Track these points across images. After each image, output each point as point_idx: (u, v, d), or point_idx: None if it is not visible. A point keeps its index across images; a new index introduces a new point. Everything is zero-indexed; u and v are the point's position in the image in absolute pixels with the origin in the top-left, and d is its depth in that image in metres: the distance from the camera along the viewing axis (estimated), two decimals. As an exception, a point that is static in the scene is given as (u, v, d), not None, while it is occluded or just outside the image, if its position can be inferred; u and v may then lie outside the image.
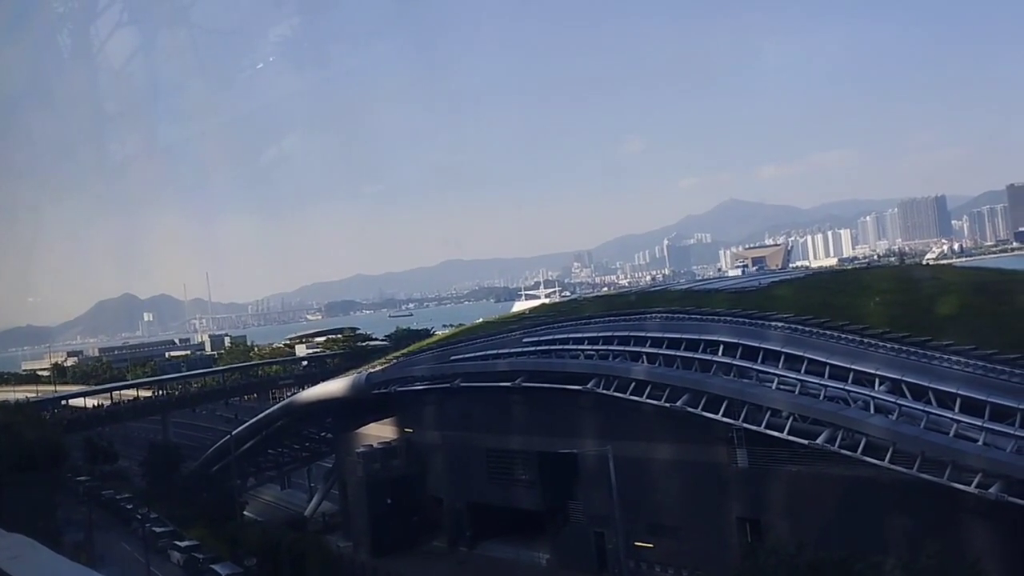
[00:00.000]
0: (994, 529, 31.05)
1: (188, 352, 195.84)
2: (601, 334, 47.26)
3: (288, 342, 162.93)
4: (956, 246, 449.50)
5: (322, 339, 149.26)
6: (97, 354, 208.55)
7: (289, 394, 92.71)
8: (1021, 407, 30.05)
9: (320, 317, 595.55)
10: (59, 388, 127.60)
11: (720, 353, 40.19)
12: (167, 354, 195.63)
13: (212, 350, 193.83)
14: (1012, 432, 30.06)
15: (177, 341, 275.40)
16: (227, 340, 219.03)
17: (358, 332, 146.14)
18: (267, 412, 76.13)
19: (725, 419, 38.76)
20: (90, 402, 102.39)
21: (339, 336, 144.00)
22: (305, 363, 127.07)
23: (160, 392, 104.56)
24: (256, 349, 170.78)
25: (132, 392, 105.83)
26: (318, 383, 77.00)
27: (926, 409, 32.34)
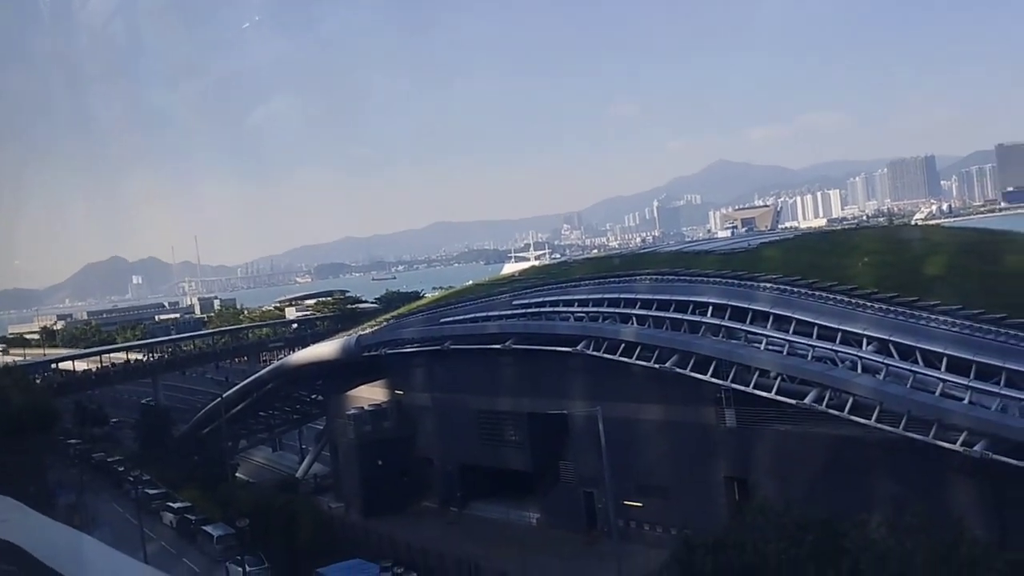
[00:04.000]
0: (978, 486, 31.45)
1: (177, 315, 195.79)
2: (591, 296, 47.34)
3: (278, 305, 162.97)
4: (945, 206, 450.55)
5: (312, 302, 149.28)
6: (85, 317, 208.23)
7: (279, 357, 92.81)
8: (1006, 366, 30.32)
9: (309, 280, 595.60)
10: (48, 352, 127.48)
11: (709, 314, 40.35)
12: (156, 317, 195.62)
13: (201, 313, 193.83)
14: (997, 391, 30.37)
15: (166, 304, 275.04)
16: (216, 303, 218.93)
17: (348, 295, 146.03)
18: (258, 375, 76.21)
19: (714, 380, 39.02)
20: (79, 366, 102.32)
21: (329, 299, 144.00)
22: (295, 326, 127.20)
23: (150, 355, 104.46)
24: (246, 312, 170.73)
25: (122, 355, 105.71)
26: (308, 346, 77.08)
27: (913, 369, 32.61)
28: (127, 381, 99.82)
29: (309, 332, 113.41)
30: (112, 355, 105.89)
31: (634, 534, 42.85)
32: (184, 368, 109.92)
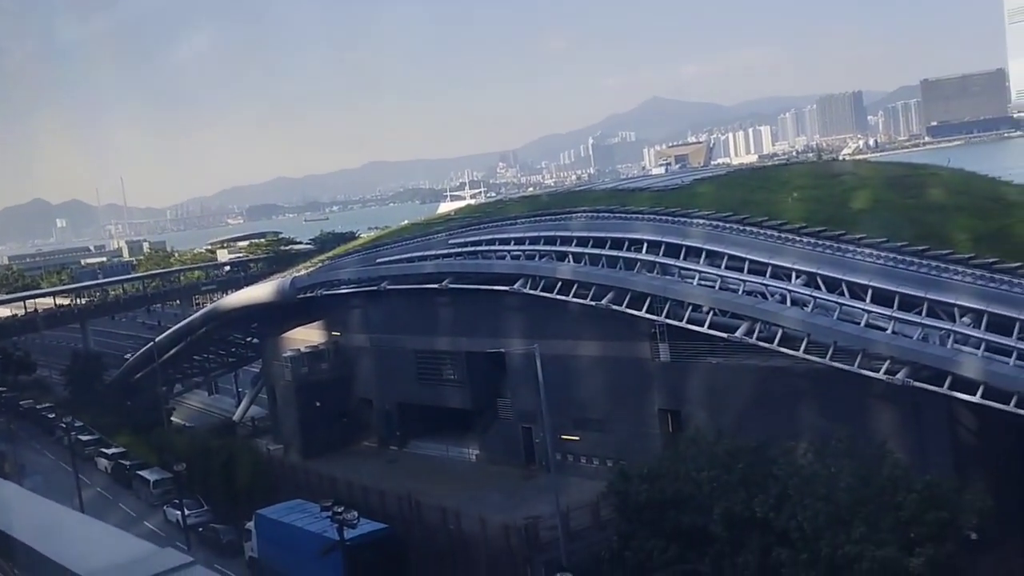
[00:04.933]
0: (900, 412, 32.77)
1: (104, 259, 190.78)
2: (527, 234, 47.42)
3: (209, 247, 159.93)
4: (871, 141, 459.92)
5: (244, 244, 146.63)
6: (7, 262, 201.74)
7: (212, 300, 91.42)
8: (927, 296, 31.37)
9: (241, 221, 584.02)
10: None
11: (644, 251, 40.77)
12: (82, 261, 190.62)
13: (130, 256, 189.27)
14: (918, 321, 31.46)
15: (92, 248, 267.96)
16: (146, 246, 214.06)
17: (281, 236, 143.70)
18: (190, 318, 75.03)
19: (648, 315, 39.64)
20: (2, 312, 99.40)
21: (262, 241, 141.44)
22: (228, 268, 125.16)
23: (77, 300, 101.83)
24: (176, 255, 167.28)
25: (48, 301, 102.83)
26: (242, 288, 76.03)
27: (839, 300, 33.56)
28: (54, 327, 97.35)
29: (242, 274, 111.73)
30: (37, 300, 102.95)
31: (572, 467, 43.71)
32: (114, 313, 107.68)
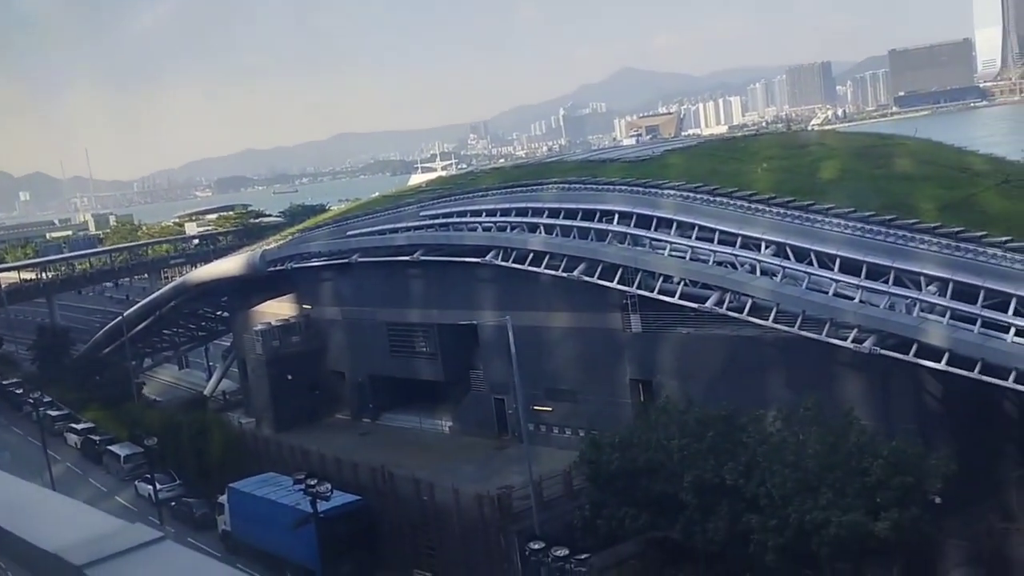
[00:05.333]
0: (867, 380, 33.27)
1: (70, 232, 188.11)
2: (498, 206, 47.33)
3: (178, 220, 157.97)
4: (840, 111, 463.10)
5: (213, 217, 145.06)
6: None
7: (181, 274, 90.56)
8: (894, 265, 31.75)
9: (210, 194, 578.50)
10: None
11: (615, 222, 40.87)
12: (47, 235, 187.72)
13: (97, 230, 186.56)
14: (885, 289, 31.86)
15: (57, 222, 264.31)
16: (112, 219, 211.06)
17: (250, 209, 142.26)
18: (159, 292, 74.31)
19: (620, 286, 39.82)
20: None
21: (231, 213, 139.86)
22: (196, 241, 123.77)
23: (43, 274, 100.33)
24: (144, 228, 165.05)
25: (12, 275, 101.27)
26: (211, 262, 75.35)
27: (807, 270, 33.88)
28: (19, 301, 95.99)
29: (212, 248, 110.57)
30: (1, 275, 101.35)
31: (544, 437, 44.00)
32: (81, 287, 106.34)
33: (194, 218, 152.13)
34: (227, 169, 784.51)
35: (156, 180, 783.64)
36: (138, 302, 75.47)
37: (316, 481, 34.17)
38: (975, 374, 28.62)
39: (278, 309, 61.12)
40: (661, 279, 38.49)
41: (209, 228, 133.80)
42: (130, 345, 69.08)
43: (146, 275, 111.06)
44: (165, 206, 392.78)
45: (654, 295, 38.50)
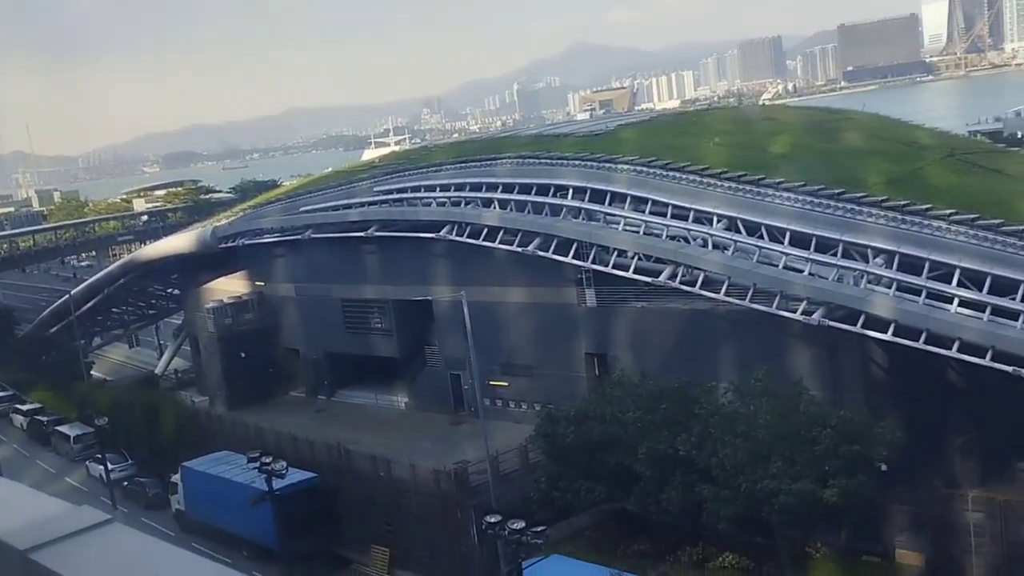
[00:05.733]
0: (816, 351, 33.88)
1: (12, 209, 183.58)
2: (452, 181, 47.11)
3: (125, 197, 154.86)
4: (790, 86, 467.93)
5: (162, 193, 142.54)
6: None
7: (130, 251, 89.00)
8: (843, 238, 32.26)
9: (158, 170, 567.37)
10: None
11: (569, 197, 40.93)
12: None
13: (40, 207, 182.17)
14: (834, 262, 32.38)
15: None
16: (57, 195, 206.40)
17: (200, 185, 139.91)
18: (107, 270, 72.98)
19: (574, 261, 39.97)
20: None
21: (180, 189, 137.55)
22: (145, 218, 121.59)
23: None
24: (91, 204, 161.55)
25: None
26: (160, 239, 74.13)
27: (759, 244, 34.28)
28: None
29: (161, 224, 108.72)
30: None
31: (500, 412, 44.18)
32: (24, 265, 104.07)
33: (142, 194, 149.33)
34: (175, 144, 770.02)
35: (102, 155, 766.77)
36: (86, 280, 74.04)
37: (271, 459, 33.95)
38: (920, 344, 29.27)
39: (230, 286, 60.38)
40: (615, 253, 38.73)
41: (158, 204, 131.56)
42: (78, 324, 67.84)
43: (93, 253, 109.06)
44: (112, 182, 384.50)
45: (608, 269, 38.73)
